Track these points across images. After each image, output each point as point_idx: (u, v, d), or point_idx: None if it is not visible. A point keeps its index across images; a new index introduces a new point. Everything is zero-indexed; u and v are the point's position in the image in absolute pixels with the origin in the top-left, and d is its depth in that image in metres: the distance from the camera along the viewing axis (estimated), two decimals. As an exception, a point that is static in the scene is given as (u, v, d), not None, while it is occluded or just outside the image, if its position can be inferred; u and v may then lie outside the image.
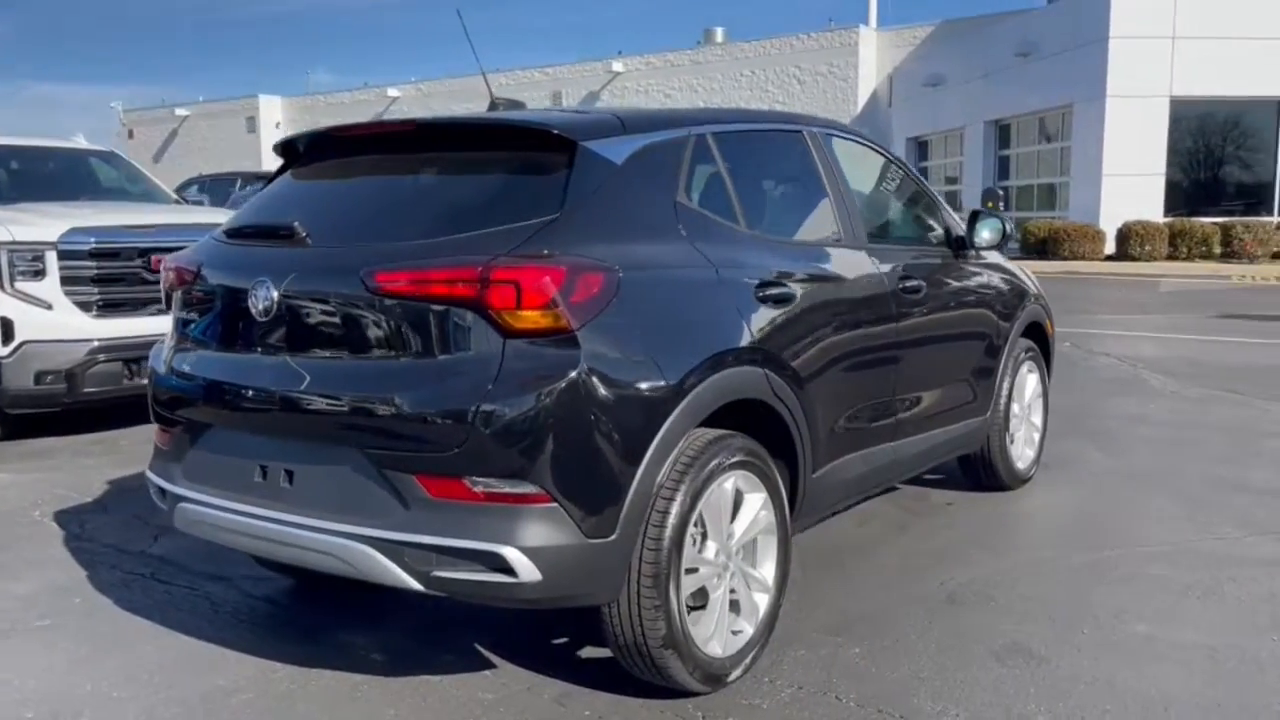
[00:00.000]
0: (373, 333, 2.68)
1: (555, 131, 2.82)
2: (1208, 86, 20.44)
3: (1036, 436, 5.19)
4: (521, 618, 3.48)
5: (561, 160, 2.79)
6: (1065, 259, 19.68)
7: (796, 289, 3.24)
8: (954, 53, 27.91)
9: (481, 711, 2.85)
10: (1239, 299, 14.78)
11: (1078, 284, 17.25)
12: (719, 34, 45.11)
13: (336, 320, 2.75)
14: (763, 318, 3.08)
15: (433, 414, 2.53)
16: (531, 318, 2.51)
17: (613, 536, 2.58)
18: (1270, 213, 20.96)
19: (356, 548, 2.61)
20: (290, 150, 3.36)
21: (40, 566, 4.11)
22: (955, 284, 4.31)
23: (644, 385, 2.65)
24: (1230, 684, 2.96)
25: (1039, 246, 20.35)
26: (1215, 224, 19.74)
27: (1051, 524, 4.59)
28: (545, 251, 2.57)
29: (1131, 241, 19.31)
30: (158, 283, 6.47)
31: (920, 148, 31.51)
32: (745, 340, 2.98)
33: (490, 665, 3.16)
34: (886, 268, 3.79)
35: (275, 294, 2.80)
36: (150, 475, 3.26)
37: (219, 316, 3.03)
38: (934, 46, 34.91)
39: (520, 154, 2.91)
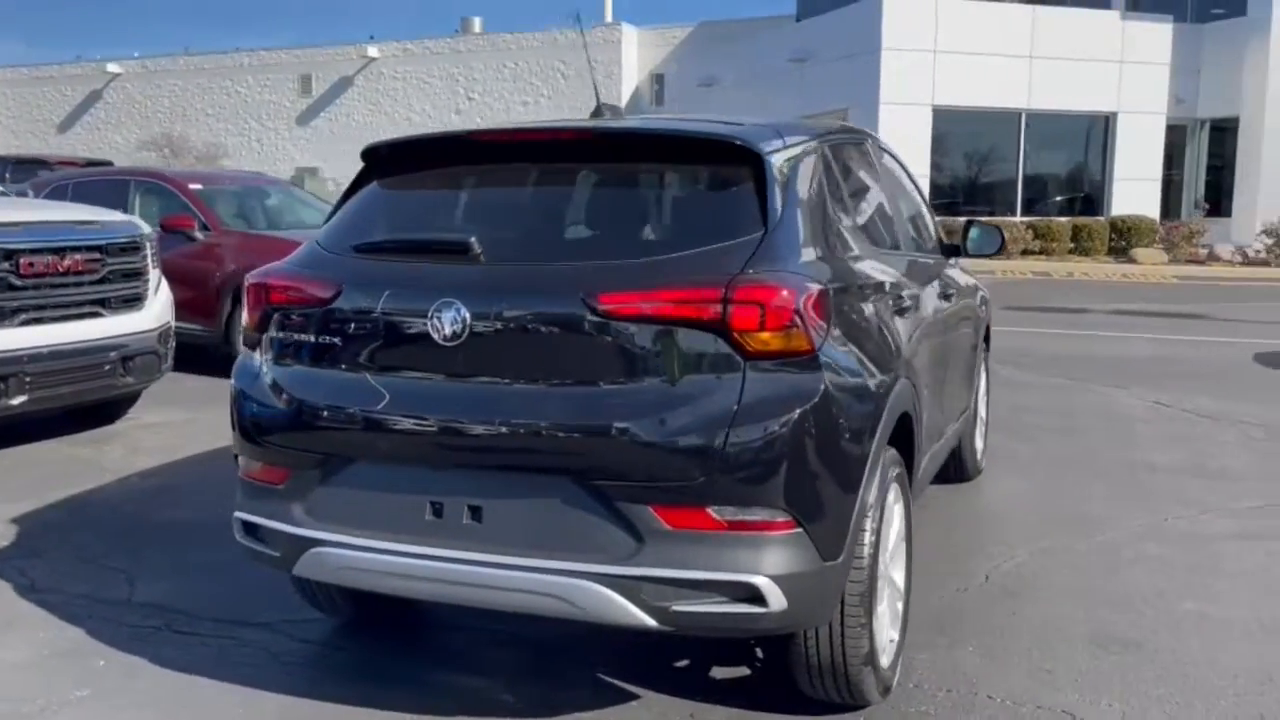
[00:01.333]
0: (595, 358, 2.52)
1: (739, 143, 2.74)
2: (963, 97, 22.42)
3: (984, 429, 5.58)
4: (627, 641, 3.38)
5: (746, 173, 2.72)
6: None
7: (909, 297, 3.34)
8: (728, 55, 29.01)
9: (668, 745, 2.76)
10: (1011, 293, 16.31)
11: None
12: (476, 24, 44.66)
13: (547, 345, 2.56)
14: (901, 328, 3.15)
15: (675, 443, 2.42)
16: (776, 339, 2.45)
17: (840, 559, 2.57)
18: (1014, 213, 23.30)
19: (586, 586, 2.45)
20: (400, 154, 3.07)
21: (18, 628, 3.55)
22: (955, 287, 4.56)
23: (861, 404, 2.66)
24: (1294, 651, 3.33)
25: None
26: (989, 222, 21.66)
27: (1029, 513, 4.93)
28: (776, 269, 2.52)
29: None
30: (28, 288, 5.78)
31: (693, 146, 32.55)
32: (902, 353, 3.04)
33: (633, 696, 3.05)
34: (935, 272, 3.97)
35: (466, 316, 2.57)
36: (250, 518, 2.90)
37: (379, 339, 2.73)
38: (697, 47, 36.19)
39: (702, 166, 2.81)
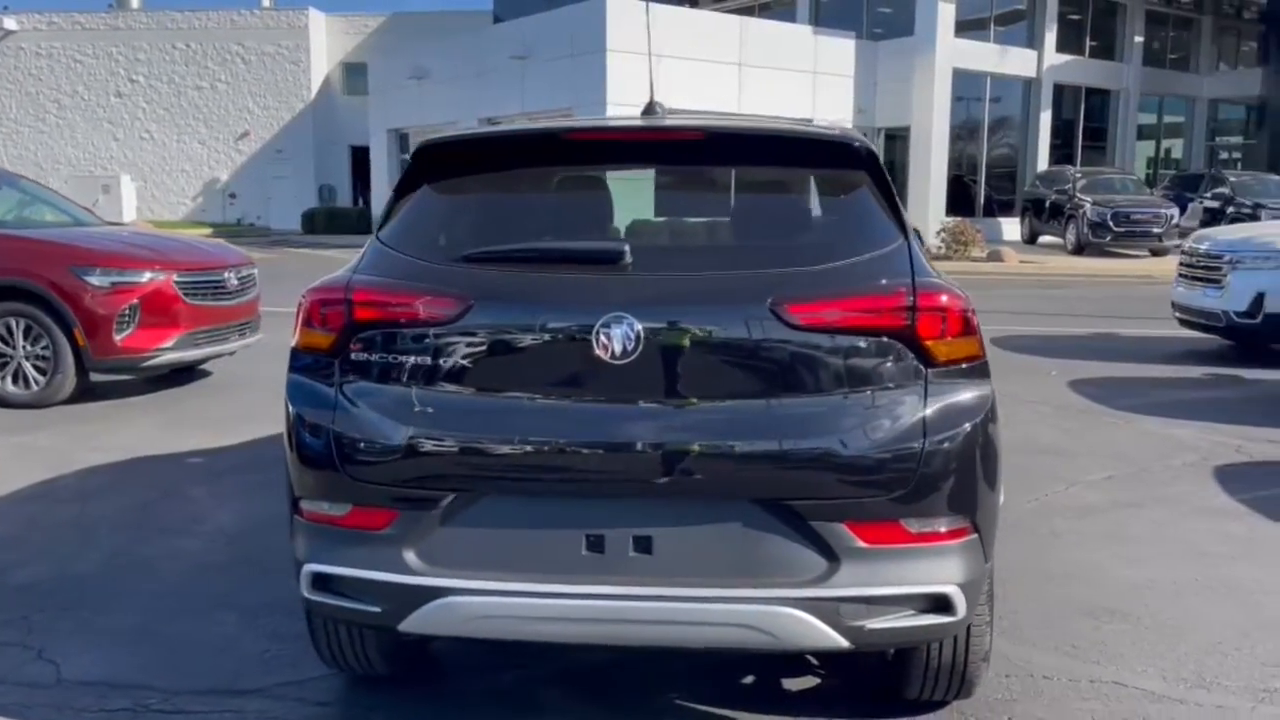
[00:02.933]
0: (779, 370, 2.40)
1: (857, 145, 2.71)
2: (682, 101, 23.37)
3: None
4: (679, 665, 3.25)
5: (866, 178, 2.69)
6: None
7: None
8: (442, 49, 28.35)
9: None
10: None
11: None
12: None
13: (728, 359, 2.41)
14: None
15: (873, 457, 2.36)
16: (956, 346, 2.46)
17: (990, 560, 2.62)
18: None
19: (783, 612, 2.34)
20: (474, 152, 2.74)
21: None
22: None
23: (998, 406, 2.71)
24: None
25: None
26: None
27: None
28: (931, 278, 2.51)
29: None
30: None
31: (402, 140, 31.58)
32: None
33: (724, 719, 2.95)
34: None
35: (639, 331, 2.36)
36: (332, 570, 2.50)
37: (527, 359, 2.45)
38: (398, 38, 35.19)
39: (830, 170, 2.73)
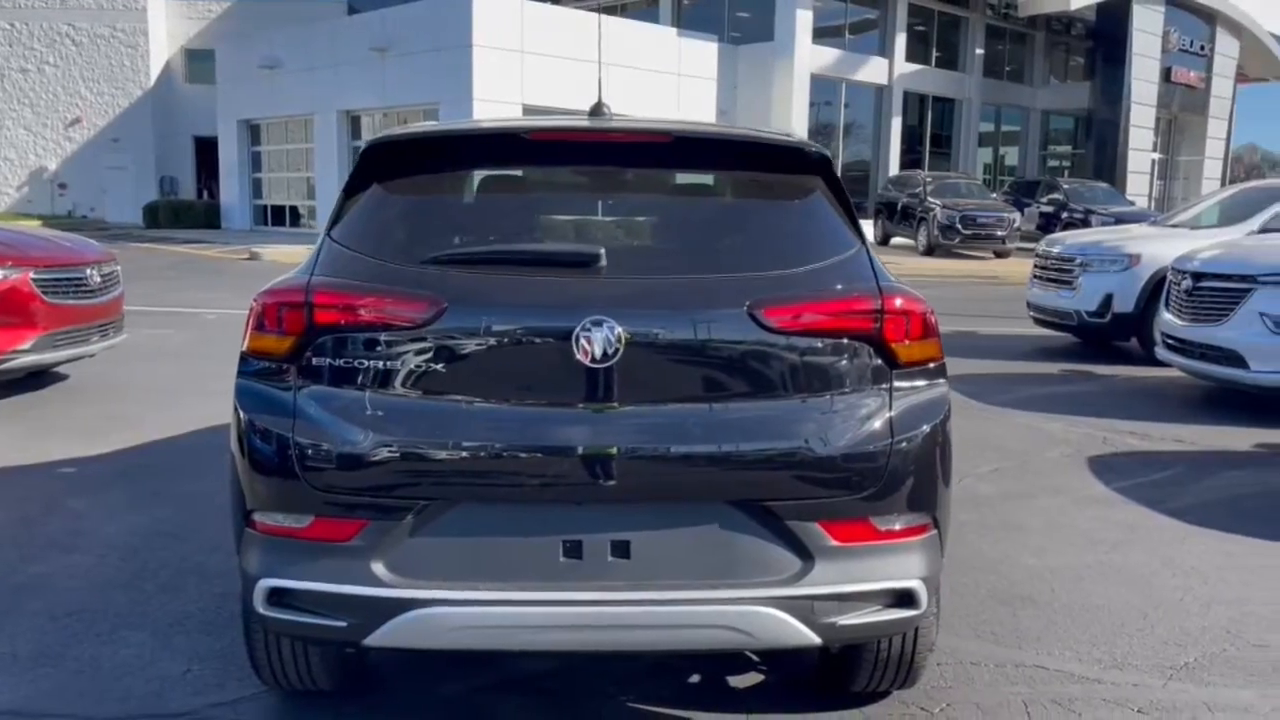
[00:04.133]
0: (755, 373, 2.43)
1: (816, 153, 2.76)
2: (549, 98, 23.27)
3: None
4: (631, 668, 3.25)
5: (823, 184, 2.75)
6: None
7: None
8: (296, 39, 27.36)
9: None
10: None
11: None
12: (-58, -28, 38.08)
13: (704, 361, 2.41)
14: None
15: (846, 457, 2.42)
16: (919, 348, 2.53)
17: (944, 554, 2.72)
18: (595, 213, 24.68)
19: (761, 612, 2.37)
20: (428, 150, 2.66)
21: None
22: None
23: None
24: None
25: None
26: (569, 220, 22.73)
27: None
28: (892, 282, 2.59)
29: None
30: None
31: (253, 131, 30.38)
32: None
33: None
34: None
35: (620, 334, 2.34)
36: (292, 584, 2.39)
37: (503, 363, 2.40)
38: (246, 25, 33.77)
39: (789, 176, 2.76)
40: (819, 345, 2.47)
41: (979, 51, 34.09)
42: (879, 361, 2.50)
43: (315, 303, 2.44)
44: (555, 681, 3.19)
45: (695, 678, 3.23)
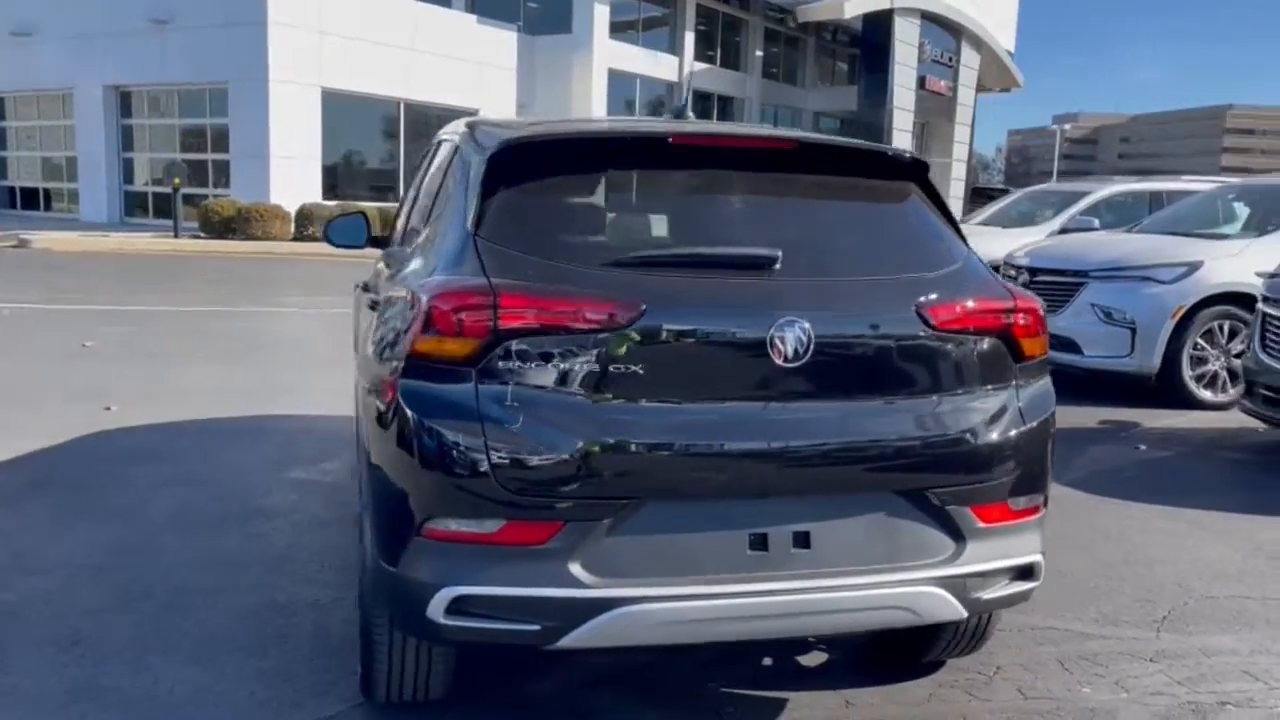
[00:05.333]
0: (920, 369, 2.58)
1: (923, 164, 2.92)
2: (350, 82, 22.43)
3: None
4: (706, 657, 3.34)
5: (927, 193, 2.91)
6: (257, 239, 19.71)
7: None
8: (56, 6, 24.91)
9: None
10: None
11: (297, 264, 17.74)
12: None
13: (879, 359, 2.55)
14: None
15: (995, 445, 2.62)
16: (1038, 344, 2.76)
17: None
18: (397, 199, 24.02)
19: (930, 592, 2.53)
20: (571, 153, 2.64)
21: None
22: None
23: None
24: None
25: (224, 226, 19.95)
26: (376, 208, 21.88)
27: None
28: (1010, 283, 2.81)
29: (312, 223, 20.28)
30: None
31: (0, 105, 27.47)
32: None
33: (781, 701, 3.09)
34: None
35: (810, 334, 2.42)
36: (481, 590, 2.34)
37: (698, 364, 2.42)
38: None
39: (891, 182, 2.90)
40: (969, 342, 2.65)
41: (759, 54, 35.68)
42: (1009, 356, 2.72)
43: (502, 305, 2.38)
44: (641, 675, 3.23)
45: (768, 660, 3.36)
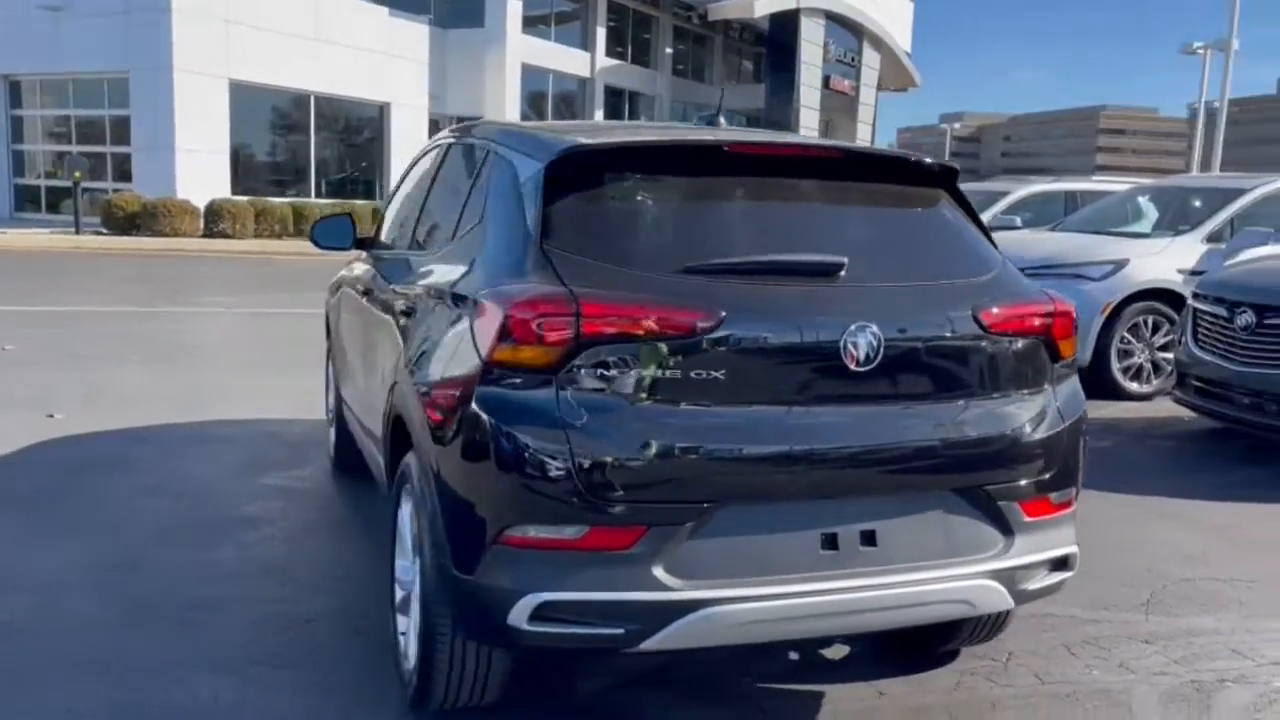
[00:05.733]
0: (975, 371, 2.69)
1: (954, 171, 3.03)
2: (259, 74, 21.80)
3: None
4: (733, 655, 3.41)
5: (959, 201, 3.04)
6: (165, 235, 19.00)
7: None
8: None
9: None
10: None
11: (211, 262, 17.18)
12: None
13: (939, 361, 2.64)
14: None
15: (1042, 442, 2.74)
16: (1070, 345, 2.90)
17: None
18: (309, 195, 23.48)
19: (986, 585, 2.65)
20: (627, 161, 2.71)
21: None
22: None
23: None
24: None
25: (129, 222, 19.17)
26: (289, 203, 21.37)
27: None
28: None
29: (223, 219, 19.68)
30: None
31: None
32: None
33: (819, 694, 3.18)
34: None
35: (880, 338, 2.51)
36: (566, 596, 2.37)
37: (774, 369, 2.48)
38: None
39: (929, 190, 3.00)
40: (1017, 344, 2.77)
41: (668, 51, 35.91)
42: (1047, 357, 2.85)
43: (585, 313, 2.40)
44: (677, 673, 3.28)
45: (794, 655, 3.45)
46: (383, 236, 4.70)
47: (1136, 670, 3.44)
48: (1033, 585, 2.80)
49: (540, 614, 2.39)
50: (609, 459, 2.38)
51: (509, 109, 27.67)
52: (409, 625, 2.98)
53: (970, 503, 2.68)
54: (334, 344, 5.09)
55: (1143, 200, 10.42)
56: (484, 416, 2.44)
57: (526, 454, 2.39)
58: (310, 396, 6.91)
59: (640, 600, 2.38)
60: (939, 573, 2.61)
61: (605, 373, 2.42)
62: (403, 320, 3.22)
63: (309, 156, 23.98)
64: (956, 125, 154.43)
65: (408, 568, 3.11)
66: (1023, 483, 2.74)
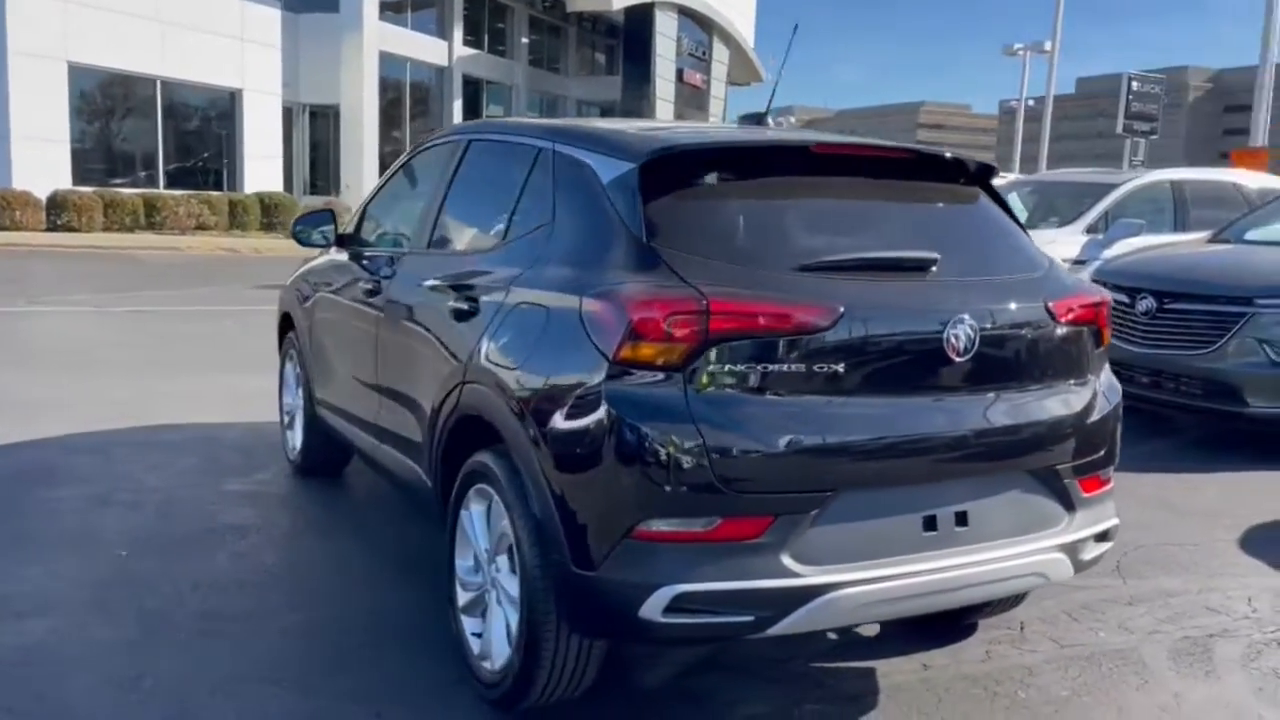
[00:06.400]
0: (1047, 359, 2.88)
1: (978, 166, 3.20)
2: (101, 57, 20.47)
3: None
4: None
5: (986, 194, 3.20)
6: (4, 229, 17.56)
7: None
8: None
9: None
10: (251, 271, 16.01)
11: (61, 257, 16.06)
12: None
13: (1019, 351, 2.81)
14: None
15: (1100, 423, 2.97)
16: (1108, 333, 3.12)
17: None
18: (158, 185, 22.20)
19: (1057, 557, 2.84)
20: (741, 157, 2.81)
21: None
22: None
23: None
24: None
25: (-43, 214, 17.65)
26: (140, 195, 20.13)
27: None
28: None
29: (68, 211, 18.37)
30: None
31: None
32: None
33: (868, 670, 3.32)
34: None
35: (975, 330, 2.66)
36: (701, 587, 2.42)
37: (887, 361, 2.60)
38: None
39: (978, 186, 3.17)
40: (1077, 333, 2.97)
41: (524, 40, 35.65)
42: (1094, 343, 3.06)
43: (713, 310, 2.44)
44: (729, 655, 3.35)
45: (833, 634, 3.58)
46: (367, 235, 4.54)
47: (1134, 630, 3.72)
48: (1087, 556, 3.01)
49: (675, 606, 2.43)
50: (740, 451, 2.45)
51: (367, 98, 26.92)
52: (486, 625, 2.96)
53: (1041, 482, 2.87)
54: (306, 346, 4.88)
55: (1018, 195, 11.05)
56: (613, 414, 2.46)
57: (660, 449, 2.42)
58: (236, 398, 6.66)
59: (771, 588, 2.45)
60: (1018, 548, 2.78)
61: (731, 367, 2.47)
62: (459, 321, 3.15)
63: (156, 145, 22.66)
64: (792, 119, 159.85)
65: (472, 569, 3.09)
66: (1082, 461, 2.94)
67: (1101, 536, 3.08)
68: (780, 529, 2.48)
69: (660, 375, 2.46)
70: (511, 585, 2.83)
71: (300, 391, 5.09)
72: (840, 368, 2.56)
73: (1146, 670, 3.41)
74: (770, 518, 2.47)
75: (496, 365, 2.87)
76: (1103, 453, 3.02)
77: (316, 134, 28.21)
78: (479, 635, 3.03)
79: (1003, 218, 3.16)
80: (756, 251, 2.68)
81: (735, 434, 2.45)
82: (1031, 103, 46.84)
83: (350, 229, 4.61)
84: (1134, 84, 25.89)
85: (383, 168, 28.19)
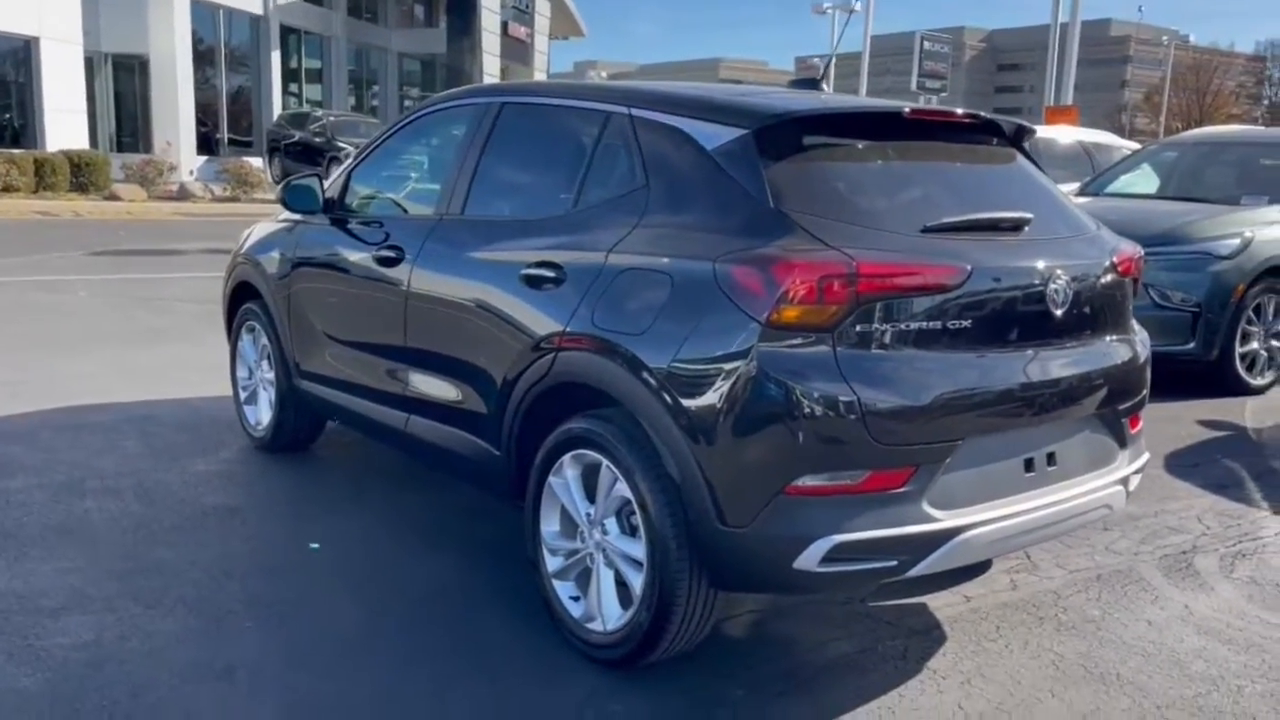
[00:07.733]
0: (1114, 309, 3.14)
1: (1018, 127, 3.40)
2: None
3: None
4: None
5: (1022, 155, 3.43)
6: None
7: None
8: None
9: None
10: (51, 235, 14.81)
11: None
12: None
13: (1094, 302, 3.04)
14: None
15: (1144, 366, 3.27)
16: (1138, 282, 3.41)
17: None
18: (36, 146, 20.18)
19: (1118, 490, 3.13)
20: (829, 127, 2.90)
21: None
22: None
23: None
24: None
25: None
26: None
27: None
28: None
29: None
30: None
31: None
32: None
33: (922, 607, 3.54)
34: None
35: (1070, 284, 2.89)
36: (855, 536, 2.55)
37: (1002, 316, 2.79)
38: None
39: (1020, 148, 3.37)
40: (1127, 284, 3.24)
41: (343, -11, 34.08)
42: (1129, 294, 3.34)
43: (861, 273, 2.54)
44: (801, 609, 3.50)
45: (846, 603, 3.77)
46: (357, 202, 4.33)
47: (1122, 553, 4.11)
48: (1133, 487, 3.31)
49: (832, 555, 2.54)
50: (889, 406, 2.58)
51: (179, 48, 25.06)
52: (590, 588, 2.99)
53: (1103, 422, 3.14)
54: (282, 318, 4.59)
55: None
56: (767, 376, 2.53)
57: (814, 408, 2.52)
58: (135, 374, 6.31)
59: (915, 533, 2.61)
60: (1094, 483, 3.05)
61: (877, 327, 2.60)
62: (536, 289, 3.11)
63: (39, 106, 20.50)
64: (604, 74, 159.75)
65: (559, 534, 3.10)
66: (1131, 403, 3.23)
67: (1137, 470, 3.39)
68: (921, 477, 2.64)
69: (811, 336, 2.55)
70: (629, 547, 2.87)
71: (265, 365, 4.86)
72: (967, 323, 2.74)
73: (1151, 587, 3.79)
74: (912, 468, 2.62)
75: (609, 331, 2.86)
76: (1144, 394, 3.32)
77: (122, 86, 26.16)
78: (577, 599, 3.05)
79: (1047, 180, 3.40)
80: (879, 215, 2.79)
81: (884, 390, 2.58)
82: (833, 61, 48.79)
83: (334, 195, 4.38)
84: (925, 43, 27.33)
85: (200, 122, 26.50)
